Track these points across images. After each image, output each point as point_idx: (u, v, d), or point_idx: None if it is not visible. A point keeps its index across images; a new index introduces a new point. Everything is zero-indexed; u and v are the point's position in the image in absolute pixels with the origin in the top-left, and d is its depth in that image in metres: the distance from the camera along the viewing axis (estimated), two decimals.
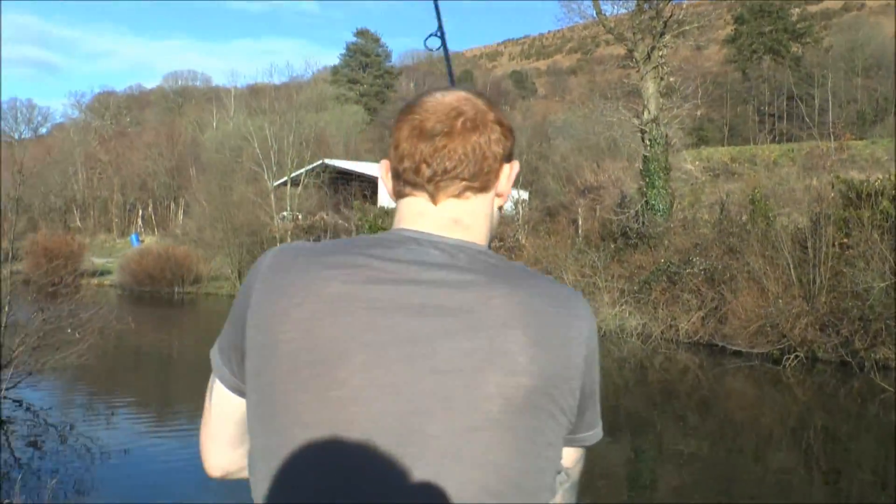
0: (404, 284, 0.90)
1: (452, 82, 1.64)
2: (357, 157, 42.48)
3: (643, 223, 19.34)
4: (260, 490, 0.92)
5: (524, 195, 26.92)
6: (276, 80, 66.20)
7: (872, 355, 14.09)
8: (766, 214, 18.08)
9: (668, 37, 19.61)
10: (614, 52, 36.36)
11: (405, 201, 1.01)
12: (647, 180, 19.95)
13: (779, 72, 54.47)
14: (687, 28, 20.26)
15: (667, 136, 19.83)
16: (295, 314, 0.89)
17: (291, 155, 33.57)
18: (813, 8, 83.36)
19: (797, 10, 66.74)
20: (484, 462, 0.85)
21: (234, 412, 1.02)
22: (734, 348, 15.28)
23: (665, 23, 19.73)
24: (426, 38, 1.81)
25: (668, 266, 17.56)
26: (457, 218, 0.99)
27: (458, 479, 0.84)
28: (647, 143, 19.84)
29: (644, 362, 15.96)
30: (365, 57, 65.10)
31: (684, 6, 20.90)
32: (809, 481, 9.11)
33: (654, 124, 19.68)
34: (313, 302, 0.89)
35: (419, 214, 0.99)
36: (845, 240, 15.64)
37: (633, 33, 19.76)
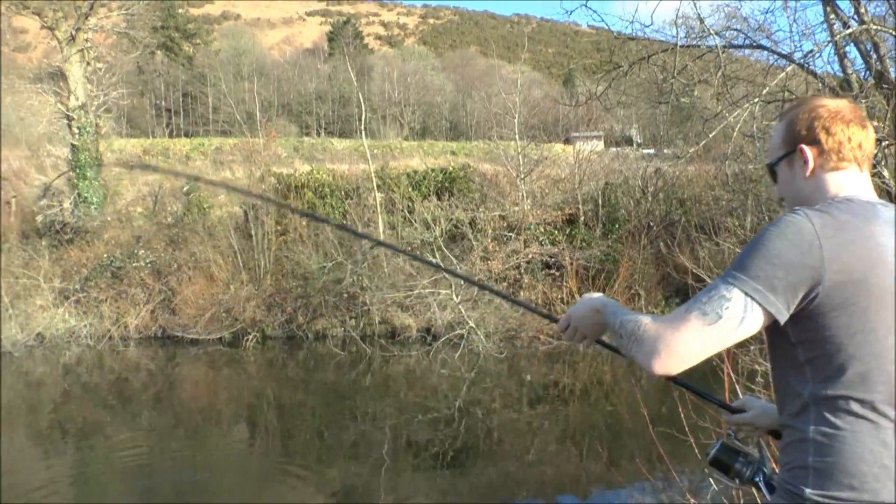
0: None
1: None
2: None
3: (77, 217, 18.01)
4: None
5: None
6: None
7: (314, 327, 16.09)
8: (201, 206, 18.80)
9: (93, 20, 18.45)
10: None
11: (839, 174, 1.43)
12: (78, 171, 18.56)
13: (172, 68, 55.68)
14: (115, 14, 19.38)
15: (96, 124, 18.74)
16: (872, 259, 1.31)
17: None
18: (196, 11, 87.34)
19: (181, 10, 69.06)
20: None
21: (742, 336, 1.33)
22: (190, 337, 15.52)
23: (91, 5, 18.50)
24: None
25: (112, 261, 16.81)
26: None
27: None
28: (76, 131, 18.42)
29: (93, 365, 14.95)
30: None
31: None
32: (264, 449, 9.58)
33: (82, 111, 18.36)
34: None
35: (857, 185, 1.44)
36: (278, 227, 17.36)
37: (54, 11, 18.01)
